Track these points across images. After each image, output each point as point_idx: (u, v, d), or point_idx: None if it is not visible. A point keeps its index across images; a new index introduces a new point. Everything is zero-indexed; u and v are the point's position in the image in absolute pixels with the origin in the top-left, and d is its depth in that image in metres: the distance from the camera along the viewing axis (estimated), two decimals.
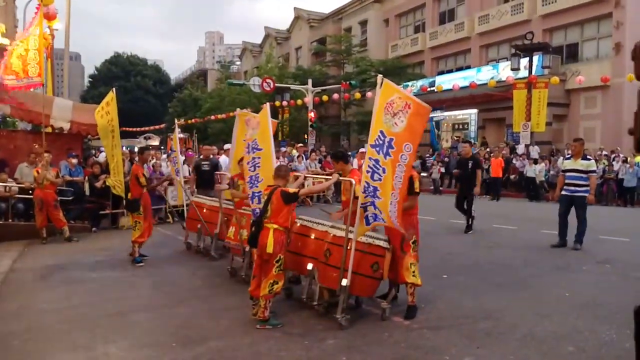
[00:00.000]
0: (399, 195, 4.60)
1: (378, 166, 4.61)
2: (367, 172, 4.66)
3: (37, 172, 9.23)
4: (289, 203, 4.81)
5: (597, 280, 6.50)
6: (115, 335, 4.64)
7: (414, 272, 4.96)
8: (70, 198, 10.37)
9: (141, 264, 7.48)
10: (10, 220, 9.81)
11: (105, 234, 9.35)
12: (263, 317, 4.69)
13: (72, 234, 9.56)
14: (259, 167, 5.92)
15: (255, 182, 5.90)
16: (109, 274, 7.00)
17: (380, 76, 4.68)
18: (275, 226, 4.75)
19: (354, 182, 4.99)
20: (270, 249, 4.67)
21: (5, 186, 9.82)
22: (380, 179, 4.60)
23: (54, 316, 5.21)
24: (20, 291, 6.19)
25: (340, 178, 5.36)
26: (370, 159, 4.65)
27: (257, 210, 5.86)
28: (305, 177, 6.40)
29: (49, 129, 11.62)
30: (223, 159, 11.69)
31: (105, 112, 10.08)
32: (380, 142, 4.59)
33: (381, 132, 4.60)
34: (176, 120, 9.61)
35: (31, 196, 9.52)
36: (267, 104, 6.15)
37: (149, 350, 4.25)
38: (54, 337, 4.63)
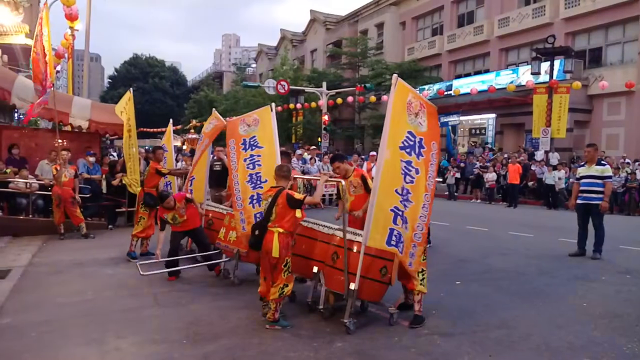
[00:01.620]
0: (431, 197, 4.60)
1: (411, 167, 4.55)
2: (402, 174, 4.54)
3: (56, 169, 9.38)
4: (295, 208, 4.72)
5: (617, 291, 6.34)
6: (127, 330, 4.69)
7: (422, 280, 4.87)
8: (88, 195, 10.52)
9: (135, 261, 7.55)
10: (30, 216, 10.03)
11: (121, 231, 9.46)
12: (273, 319, 4.68)
13: (89, 230, 9.69)
14: (259, 165, 5.88)
15: (258, 182, 5.88)
16: (123, 271, 7.08)
17: (395, 75, 4.59)
18: (281, 230, 4.66)
19: (344, 182, 5.37)
20: (276, 253, 4.60)
21: (26, 182, 10.01)
22: (412, 182, 4.55)
23: (69, 309, 5.32)
24: (39, 284, 6.31)
25: (330, 178, 5.35)
26: (402, 161, 4.53)
27: (242, 213, 5.87)
28: (294, 178, 6.39)
29: (69, 128, 11.81)
30: None
31: (124, 112, 10.23)
32: (411, 142, 4.54)
33: (410, 132, 4.54)
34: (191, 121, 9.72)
35: (50, 193, 9.68)
36: (272, 103, 6.16)
37: (160, 346, 4.28)
38: (69, 330, 4.71)
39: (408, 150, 4.54)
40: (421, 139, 4.59)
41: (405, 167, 4.54)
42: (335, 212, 7.26)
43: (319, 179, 5.28)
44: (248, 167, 5.87)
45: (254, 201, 5.78)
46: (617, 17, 22.30)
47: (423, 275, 4.88)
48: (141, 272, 5.91)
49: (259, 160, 5.86)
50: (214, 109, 8.12)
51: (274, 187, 4.86)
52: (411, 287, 4.91)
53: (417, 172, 4.56)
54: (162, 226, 6.78)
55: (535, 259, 8.26)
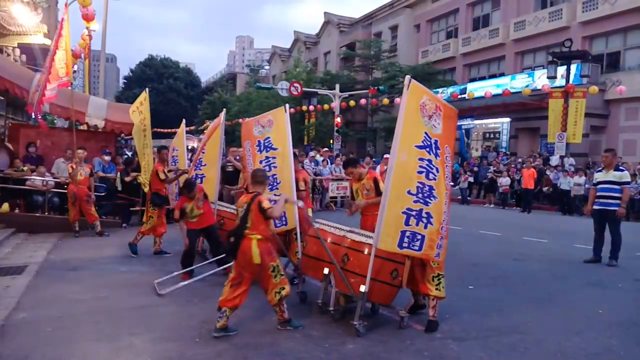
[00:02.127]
0: (449, 198, 4.63)
1: (432, 166, 4.53)
2: (420, 172, 4.50)
3: (72, 167, 9.50)
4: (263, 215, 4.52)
5: (634, 299, 6.25)
6: (140, 327, 4.72)
7: (437, 285, 4.79)
8: (103, 194, 10.63)
9: (135, 255, 7.86)
10: (46, 214, 10.17)
11: (135, 230, 9.50)
12: (284, 319, 4.65)
13: (103, 228, 9.81)
14: (274, 167, 5.88)
15: (275, 184, 5.89)
16: (136, 268, 7.15)
17: (407, 77, 4.54)
18: (259, 236, 4.50)
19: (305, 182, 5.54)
20: (257, 259, 4.44)
21: (43, 180, 10.15)
22: (435, 179, 4.54)
23: (83, 306, 5.38)
24: (54, 281, 6.39)
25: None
26: (421, 159, 4.50)
27: (283, 216, 5.88)
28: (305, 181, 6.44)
29: (85, 127, 11.95)
30: None
31: (139, 112, 10.29)
32: (428, 143, 4.53)
33: (426, 133, 4.53)
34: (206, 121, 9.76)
35: (66, 191, 9.79)
36: (287, 104, 6.16)
37: (173, 344, 4.30)
38: (83, 326, 4.76)
39: (427, 149, 4.53)
40: (436, 141, 4.58)
41: (427, 164, 4.52)
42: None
43: (329, 181, 5.25)
44: (264, 169, 5.89)
45: (272, 203, 5.79)
46: (636, 20, 21.91)
47: (439, 280, 4.81)
48: (159, 292, 5.84)
49: (274, 162, 5.87)
50: (223, 110, 8.13)
51: (250, 193, 4.69)
52: (425, 291, 4.85)
53: (437, 170, 4.56)
54: (180, 216, 6.64)
55: (549, 264, 8.18)
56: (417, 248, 4.52)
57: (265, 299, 4.68)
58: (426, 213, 4.53)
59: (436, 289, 4.78)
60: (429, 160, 4.54)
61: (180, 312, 5.23)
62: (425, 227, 4.53)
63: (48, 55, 9.03)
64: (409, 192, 4.46)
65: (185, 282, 6.07)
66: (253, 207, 4.50)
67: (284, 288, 4.56)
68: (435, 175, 4.55)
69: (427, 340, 4.58)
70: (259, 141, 6.01)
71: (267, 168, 5.90)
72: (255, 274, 4.56)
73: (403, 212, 4.46)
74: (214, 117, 40.00)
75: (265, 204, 4.48)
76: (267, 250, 4.53)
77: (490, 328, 4.95)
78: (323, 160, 16.93)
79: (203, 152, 7.92)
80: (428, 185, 4.53)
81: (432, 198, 4.55)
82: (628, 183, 8.27)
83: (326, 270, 5.10)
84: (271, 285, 4.53)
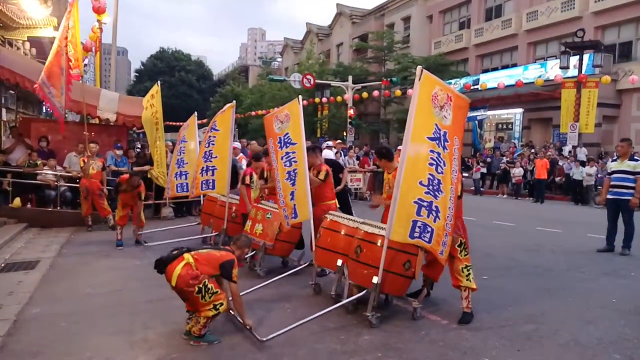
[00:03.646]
0: (455, 191, 4.54)
1: (440, 159, 4.48)
2: (431, 164, 4.45)
3: (84, 161, 9.53)
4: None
5: None
6: (155, 321, 4.73)
7: (467, 275, 4.79)
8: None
9: (121, 247, 8.02)
10: (58, 208, 10.22)
11: (148, 223, 9.57)
12: (199, 334, 4.15)
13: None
14: (295, 162, 5.87)
15: (294, 178, 5.88)
16: (150, 261, 7.07)
17: (419, 67, 4.47)
18: (192, 262, 4.10)
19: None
20: (173, 282, 4.07)
21: (55, 174, 10.21)
22: (442, 172, 4.49)
23: (97, 300, 5.39)
24: (67, 275, 6.41)
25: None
26: (432, 151, 4.45)
27: (285, 210, 5.90)
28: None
29: (96, 120, 12.00)
30: None
31: (150, 105, 10.30)
32: (438, 135, 4.47)
33: (436, 125, 4.45)
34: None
35: (78, 185, 9.84)
36: (299, 96, 6.13)
37: (188, 338, 4.31)
38: (97, 320, 4.77)
39: (437, 142, 4.47)
40: (445, 132, 4.49)
41: (436, 157, 4.46)
42: (358, 207, 7.23)
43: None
44: (285, 165, 5.92)
45: (294, 197, 5.88)
46: None
47: (468, 270, 4.81)
48: None
49: (294, 157, 5.86)
50: (233, 102, 8.07)
51: (227, 252, 4.37)
52: (456, 283, 4.85)
53: (444, 164, 4.49)
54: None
55: (563, 254, 8.11)
56: (427, 240, 4.48)
57: (278, 290, 4.67)
58: (435, 206, 4.49)
59: (467, 280, 4.79)
60: (438, 153, 4.47)
61: None
62: (434, 220, 4.50)
63: (60, 56, 8.94)
64: (420, 183, 4.40)
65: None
66: (223, 257, 4.20)
67: (222, 304, 4.11)
68: (443, 169, 4.48)
69: (441, 330, 4.57)
70: (279, 138, 6.01)
71: (287, 164, 5.90)
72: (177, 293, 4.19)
73: (415, 202, 4.40)
74: None
75: (235, 272, 4.19)
76: (192, 275, 4.02)
77: (504, 318, 4.92)
78: (337, 152, 16.86)
79: (213, 144, 7.88)
80: (437, 179, 4.48)
81: (439, 192, 4.50)
82: None
83: (339, 262, 5.09)
84: (200, 305, 4.07)
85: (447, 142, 4.50)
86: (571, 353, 4.11)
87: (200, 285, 4.03)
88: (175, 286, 4.08)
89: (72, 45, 9.25)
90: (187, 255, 4.14)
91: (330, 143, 16.33)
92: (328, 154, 14.26)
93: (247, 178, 7.22)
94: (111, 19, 17.76)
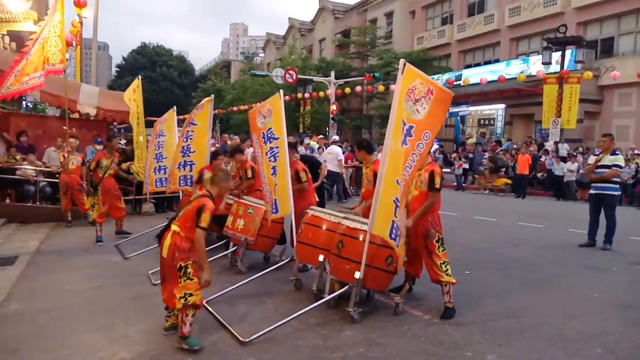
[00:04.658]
0: (404, 189, 4.39)
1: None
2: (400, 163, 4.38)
3: (64, 156, 9.38)
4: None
5: (629, 282, 6.29)
6: (135, 317, 4.66)
7: (447, 270, 4.79)
8: None
9: (100, 243, 7.96)
10: (37, 203, 10.03)
11: (128, 219, 9.44)
12: (181, 334, 3.93)
13: None
14: (278, 157, 5.84)
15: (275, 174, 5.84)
16: (131, 258, 7.06)
17: (402, 60, 4.43)
18: (178, 230, 3.97)
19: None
20: (164, 252, 3.96)
21: (35, 169, 10.01)
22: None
23: (77, 296, 5.30)
24: (46, 271, 6.31)
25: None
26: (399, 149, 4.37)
27: (273, 204, 5.86)
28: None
29: (76, 115, 11.79)
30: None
31: (132, 99, 10.13)
32: (401, 130, 4.35)
33: (402, 120, 4.34)
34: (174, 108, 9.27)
35: (58, 180, 9.68)
36: (281, 90, 6.08)
37: (168, 334, 4.25)
38: (77, 317, 4.69)
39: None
40: (411, 127, 4.34)
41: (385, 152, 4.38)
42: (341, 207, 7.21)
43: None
44: (270, 160, 5.87)
45: (276, 192, 5.84)
46: (630, 6, 21.96)
47: (446, 266, 4.81)
48: (154, 282, 5.70)
49: (277, 152, 5.82)
50: (211, 96, 7.89)
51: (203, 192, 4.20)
52: (436, 278, 4.83)
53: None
54: None
55: (545, 249, 8.20)
56: (397, 244, 4.41)
57: (260, 285, 4.62)
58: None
59: (447, 275, 4.79)
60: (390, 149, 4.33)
61: None
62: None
63: (32, 41, 8.69)
64: (397, 182, 4.35)
65: None
66: (195, 205, 4.00)
67: (191, 295, 3.86)
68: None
69: (424, 325, 4.57)
70: (263, 133, 5.96)
71: (272, 159, 5.84)
72: (164, 270, 4.03)
73: (393, 201, 4.36)
74: None
75: (205, 216, 3.92)
76: (181, 247, 3.92)
77: (487, 312, 4.94)
78: (319, 148, 16.82)
79: (191, 139, 7.74)
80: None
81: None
82: (619, 167, 8.20)
83: (321, 257, 5.06)
84: (178, 287, 3.88)
85: (411, 137, 4.33)
86: (554, 347, 4.13)
87: (184, 264, 3.88)
88: (165, 257, 3.94)
89: (60, 40, 9.06)
90: (173, 225, 4.03)
91: (307, 140, 16.34)
92: (336, 150, 14.30)
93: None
94: (92, 13, 17.46)
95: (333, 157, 14.03)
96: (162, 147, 8.94)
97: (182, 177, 7.78)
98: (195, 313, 3.97)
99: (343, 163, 14.50)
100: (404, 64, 4.39)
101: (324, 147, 16.63)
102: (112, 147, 8.64)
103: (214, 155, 7.37)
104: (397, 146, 4.33)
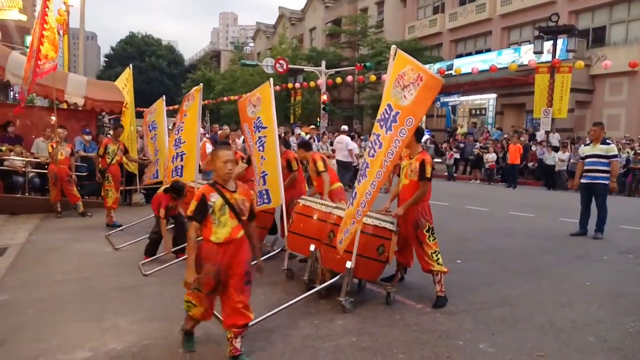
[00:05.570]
0: (384, 174, 4.26)
1: (377, 141, 4.31)
2: (367, 148, 4.40)
3: (52, 147, 9.25)
4: None
5: (620, 270, 6.32)
6: (126, 307, 4.63)
7: (437, 260, 4.79)
8: (85, 174, 10.42)
9: (120, 228, 8.07)
10: (27, 194, 9.92)
11: (118, 209, 9.37)
12: (182, 328, 3.82)
13: (86, 209, 9.61)
14: (266, 146, 5.81)
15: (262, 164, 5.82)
16: (121, 248, 7.00)
17: (393, 47, 4.39)
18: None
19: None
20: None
21: (23, 160, 9.88)
22: (373, 155, 4.32)
23: (67, 287, 5.26)
24: (36, 262, 6.25)
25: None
26: (373, 134, 4.37)
27: (263, 192, 5.82)
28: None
29: (64, 105, 11.62)
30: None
31: (125, 88, 10.02)
32: (386, 116, 4.28)
33: (388, 105, 4.27)
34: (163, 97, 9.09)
35: (46, 171, 9.56)
36: (271, 79, 6.02)
37: (159, 324, 4.22)
38: (67, 308, 4.65)
39: (381, 123, 4.31)
40: (397, 113, 4.22)
41: (374, 139, 4.34)
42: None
43: None
44: (259, 150, 5.83)
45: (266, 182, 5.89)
46: None
47: (437, 255, 4.80)
48: (144, 272, 5.74)
49: (265, 142, 5.79)
50: (200, 85, 7.72)
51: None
52: (427, 267, 4.82)
53: (380, 146, 4.28)
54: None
55: (536, 238, 8.23)
56: (359, 218, 4.35)
57: (256, 276, 4.56)
58: (355, 192, 4.39)
59: (438, 264, 4.78)
60: (378, 135, 4.30)
61: (165, 292, 5.12)
62: (351, 205, 4.41)
63: (35, 38, 8.63)
64: (380, 167, 4.28)
65: (171, 263, 5.97)
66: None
67: (190, 305, 3.66)
68: (376, 152, 4.29)
69: (416, 314, 4.56)
70: (253, 122, 5.91)
71: (260, 148, 5.81)
72: None
73: (370, 184, 4.33)
74: None
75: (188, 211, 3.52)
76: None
77: (479, 302, 4.94)
78: (310, 138, 16.77)
79: (181, 130, 7.66)
80: (366, 162, 4.38)
81: (364, 177, 4.35)
82: (616, 156, 8.27)
83: (312, 247, 5.04)
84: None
85: (395, 122, 4.22)
86: (546, 336, 4.14)
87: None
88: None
89: (52, 32, 8.95)
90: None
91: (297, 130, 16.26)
92: (346, 140, 14.47)
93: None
94: (78, 1, 17.18)
95: (343, 146, 14.46)
96: (156, 141, 8.95)
97: (174, 169, 7.73)
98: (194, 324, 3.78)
99: (355, 152, 14.64)
100: (395, 50, 4.35)
101: (315, 138, 16.61)
102: (117, 134, 9.01)
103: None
104: (382, 132, 4.30)
